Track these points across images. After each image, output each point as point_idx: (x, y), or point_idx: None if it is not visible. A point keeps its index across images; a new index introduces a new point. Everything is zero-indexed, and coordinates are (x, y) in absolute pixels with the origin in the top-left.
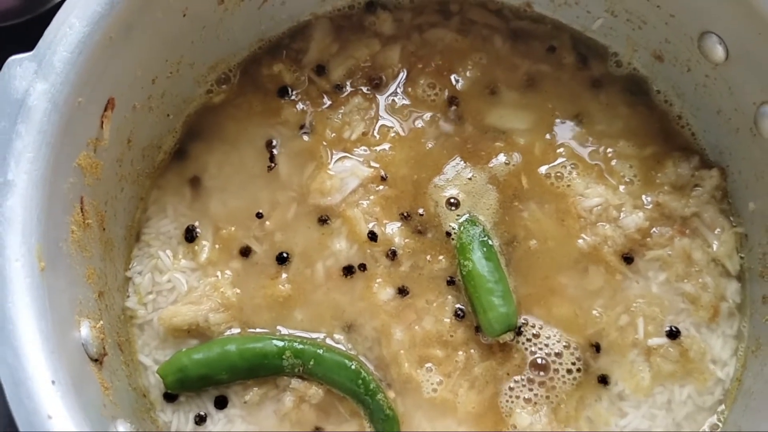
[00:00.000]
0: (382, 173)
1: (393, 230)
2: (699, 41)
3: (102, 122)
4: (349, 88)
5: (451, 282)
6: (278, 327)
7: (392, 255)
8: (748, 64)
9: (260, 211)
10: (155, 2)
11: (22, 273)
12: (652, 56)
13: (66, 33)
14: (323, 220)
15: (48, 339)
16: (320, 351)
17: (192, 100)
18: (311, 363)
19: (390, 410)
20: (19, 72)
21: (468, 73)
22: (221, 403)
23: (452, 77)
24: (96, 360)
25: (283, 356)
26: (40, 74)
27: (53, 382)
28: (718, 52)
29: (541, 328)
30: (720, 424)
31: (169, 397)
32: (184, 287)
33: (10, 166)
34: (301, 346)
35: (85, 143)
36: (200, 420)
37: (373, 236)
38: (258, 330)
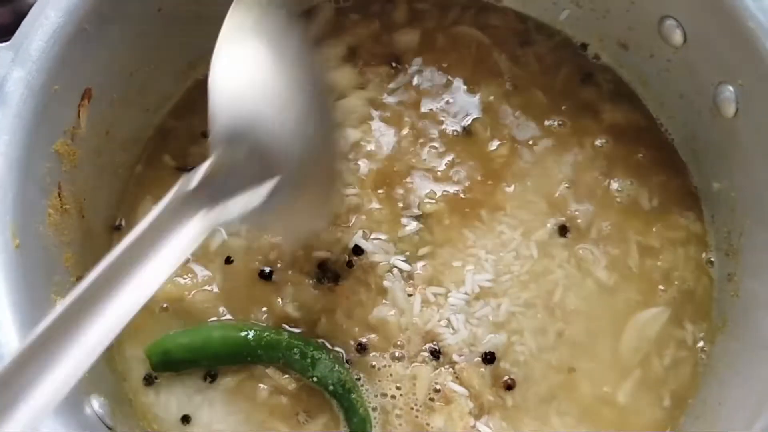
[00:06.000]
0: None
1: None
2: (659, 26)
3: (79, 111)
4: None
5: None
6: (261, 316)
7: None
8: (704, 45)
9: None
10: None
11: None
12: (617, 45)
13: (42, 23)
14: None
15: (21, 312)
16: (299, 343)
17: (172, 97)
18: (289, 355)
19: (363, 410)
20: None
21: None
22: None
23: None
24: None
25: (261, 345)
26: (17, 62)
27: None
28: (677, 35)
29: None
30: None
31: (149, 379)
32: None
33: None
34: (278, 337)
35: (62, 130)
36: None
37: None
38: (241, 317)
